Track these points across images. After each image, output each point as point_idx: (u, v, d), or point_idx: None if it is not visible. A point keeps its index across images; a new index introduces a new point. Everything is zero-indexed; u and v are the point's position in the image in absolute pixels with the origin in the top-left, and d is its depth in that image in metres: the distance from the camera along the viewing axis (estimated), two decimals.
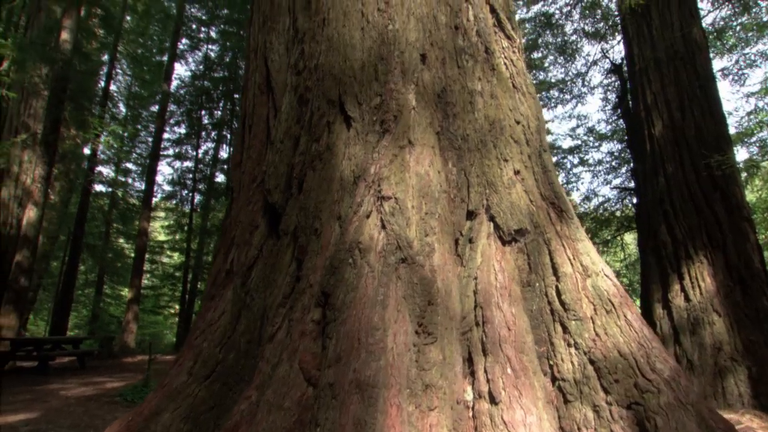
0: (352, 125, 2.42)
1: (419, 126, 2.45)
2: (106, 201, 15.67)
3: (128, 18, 16.71)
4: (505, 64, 3.04)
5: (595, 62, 8.07)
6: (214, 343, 2.41)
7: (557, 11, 9.07)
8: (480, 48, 2.94)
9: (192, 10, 15.56)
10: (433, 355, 1.86)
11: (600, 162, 9.95)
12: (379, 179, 2.19)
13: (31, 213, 7.70)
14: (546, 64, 11.99)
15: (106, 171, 17.03)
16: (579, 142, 10.49)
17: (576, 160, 10.44)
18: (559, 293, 2.31)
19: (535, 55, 13.62)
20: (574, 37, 9.22)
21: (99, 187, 15.73)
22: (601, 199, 9.28)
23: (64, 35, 8.32)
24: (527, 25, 11.89)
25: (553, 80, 10.42)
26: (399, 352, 1.77)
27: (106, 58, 16.15)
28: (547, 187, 2.63)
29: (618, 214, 8.67)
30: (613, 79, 8.25)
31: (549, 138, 17.18)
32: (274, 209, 2.62)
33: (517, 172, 2.63)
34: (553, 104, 10.36)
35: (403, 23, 2.73)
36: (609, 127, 9.77)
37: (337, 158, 2.37)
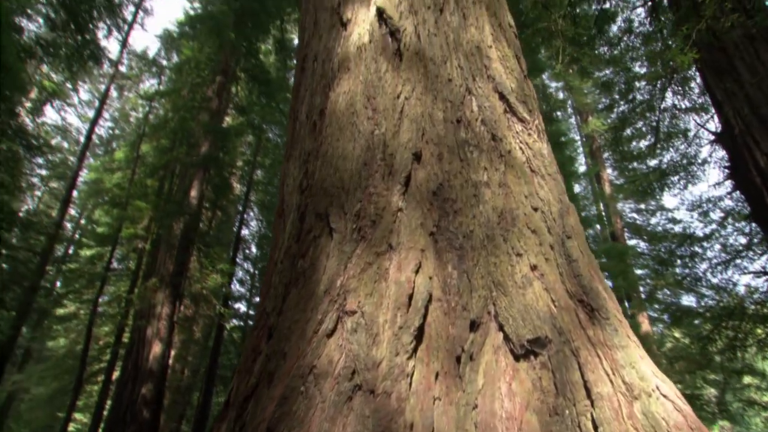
0: (333, 237, 2.28)
1: (406, 228, 2.22)
2: (239, 334, 17.02)
3: (258, 172, 19.54)
4: (520, 148, 2.75)
5: (696, 136, 7.11)
6: None
7: (643, 91, 8.48)
8: (485, 137, 2.72)
9: None
10: None
11: (746, 248, 8.24)
12: (345, 292, 1.96)
13: (156, 348, 8.58)
14: (659, 151, 11.03)
15: (240, 307, 18.80)
16: (704, 227, 8.95)
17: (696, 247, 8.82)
18: (595, 424, 1.70)
19: (643, 143, 12.69)
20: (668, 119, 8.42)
21: (233, 321, 17.26)
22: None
23: (193, 192, 9.94)
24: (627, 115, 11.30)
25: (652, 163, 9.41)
26: None
27: (240, 208, 18.70)
28: (573, 281, 2.12)
29: None
30: (721, 152, 7.12)
31: (676, 227, 15.08)
32: (272, 333, 2.47)
33: (534, 268, 2.18)
34: (659, 190, 9.20)
35: (394, 126, 2.66)
36: (733, 203, 8.24)
37: (318, 274, 2.21)
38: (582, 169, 17.06)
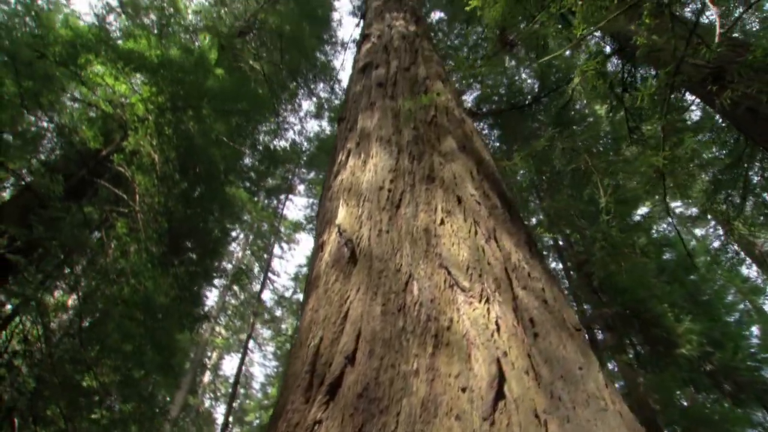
0: None
1: None
2: None
3: None
4: (461, 320, 2.59)
5: None
6: None
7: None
8: (422, 320, 2.65)
9: None
10: None
11: None
12: None
13: None
14: None
15: None
16: None
17: None
18: None
19: None
20: None
21: None
22: None
23: None
24: None
25: None
26: None
27: None
28: None
29: None
30: None
31: None
32: None
33: None
34: None
35: (333, 334, 2.75)
36: None
37: None
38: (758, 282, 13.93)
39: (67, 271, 8.09)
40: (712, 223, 19.31)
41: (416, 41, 7.73)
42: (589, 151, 6.57)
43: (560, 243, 14.27)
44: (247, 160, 15.33)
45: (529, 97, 11.55)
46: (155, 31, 13.42)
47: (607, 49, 11.06)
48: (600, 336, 11.58)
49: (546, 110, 12.50)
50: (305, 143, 17.60)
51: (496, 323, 2.56)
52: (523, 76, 16.67)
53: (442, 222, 3.41)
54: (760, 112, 4.96)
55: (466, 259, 3.03)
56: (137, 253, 8.25)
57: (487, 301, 2.72)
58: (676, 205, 18.74)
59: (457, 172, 4.08)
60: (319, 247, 3.92)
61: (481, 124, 15.26)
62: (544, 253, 16.69)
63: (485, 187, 4.23)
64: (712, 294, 10.15)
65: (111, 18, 14.53)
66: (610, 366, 11.35)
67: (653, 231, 13.15)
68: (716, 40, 2.57)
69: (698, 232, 19.63)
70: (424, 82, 6.09)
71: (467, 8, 4.51)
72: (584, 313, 11.99)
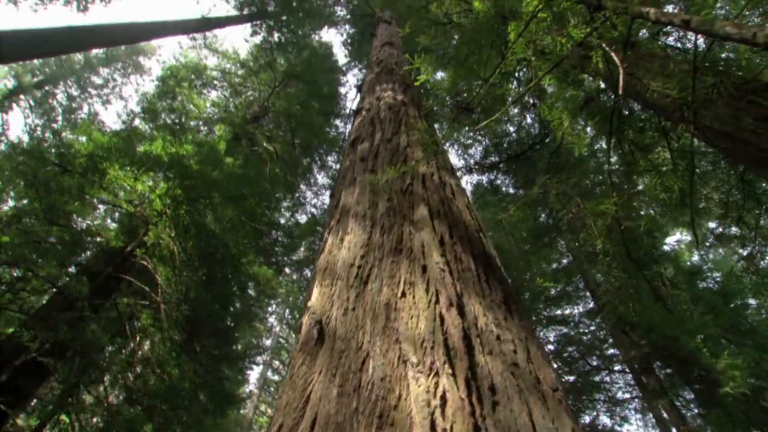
0: None
1: None
2: None
3: None
4: (409, 397, 2.62)
5: None
6: None
7: None
8: (371, 399, 2.69)
9: None
10: None
11: None
12: None
13: None
14: None
15: None
16: None
17: None
18: None
19: None
20: None
21: None
22: None
23: None
24: None
25: None
26: None
27: None
28: None
29: None
30: None
31: None
32: None
33: None
34: None
35: (293, 419, 2.82)
36: None
37: None
38: None
39: (96, 366, 8.42)
40: (758, 240, 18.24)
41: (402, 110, 8.10)
42: (582, 193, 6.55)
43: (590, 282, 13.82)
44: (273, 234, 15.89)
45: (531, 143, 11.70)
46: (177, 127, 14.56)
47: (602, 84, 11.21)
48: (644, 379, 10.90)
49: (552, 153, 12.62)
50: (324, 216, 18.14)
51: (442, 397, 2.57)
52: (529, 120, 16.94)
53: (404, 294, 3.49)
54: (736, 137, 4.93)
55: (422, 332, 3.08)
56: (161, 343, 8.56)
57: (437, 374, 2.75)
58: (712, 226, 17.92)
59: (426, 241, 4.19)
60: (297, 330, 4.05)
61: (493, 174, 15.40)
62: (580, 294, 16.12)
63: (457, 251, 4.29)
64: (760, 320, 9.44)
65: (137, 121, 15.92)
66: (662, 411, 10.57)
67: (690, 259, 12.66)
68: (620, 91, 2.70)
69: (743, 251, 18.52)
70: (405, 151, 6.35)
71: (417, 83, 4.80)
72: (625, 354, 11.39)
